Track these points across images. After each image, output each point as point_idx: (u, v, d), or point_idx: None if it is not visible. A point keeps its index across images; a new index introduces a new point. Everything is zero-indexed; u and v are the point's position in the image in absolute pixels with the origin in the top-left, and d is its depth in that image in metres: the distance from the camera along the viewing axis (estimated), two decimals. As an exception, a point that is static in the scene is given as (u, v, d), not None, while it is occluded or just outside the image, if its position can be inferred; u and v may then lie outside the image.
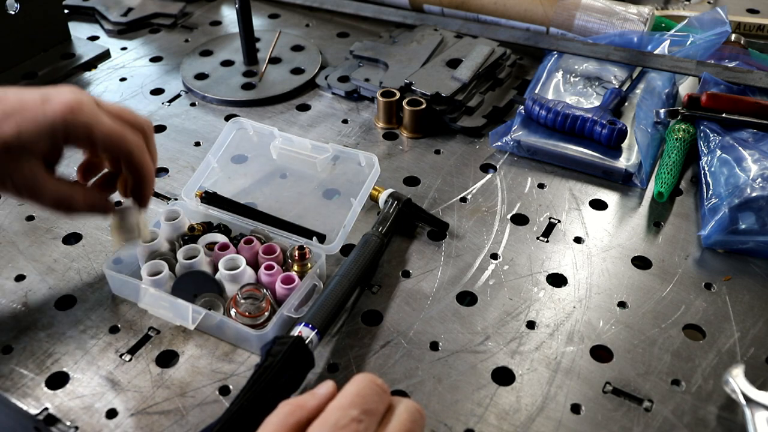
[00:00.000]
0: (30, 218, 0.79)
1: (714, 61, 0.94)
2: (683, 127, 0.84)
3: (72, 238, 0.76)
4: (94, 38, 1.15)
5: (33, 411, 0.59)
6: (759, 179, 0.73)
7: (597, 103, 0.90)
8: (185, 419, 0.58)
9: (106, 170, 0.67)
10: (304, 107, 0.98)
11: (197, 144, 0.91)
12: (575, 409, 0.59)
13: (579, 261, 0.73)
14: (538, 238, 0.75)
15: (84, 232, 0.77)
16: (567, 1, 1.03)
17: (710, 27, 0.97)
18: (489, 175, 0.85)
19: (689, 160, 0.85)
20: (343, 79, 1.00)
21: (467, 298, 0.69)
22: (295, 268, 0.69)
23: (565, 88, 0.94)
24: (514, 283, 0.70)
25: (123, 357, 0.63)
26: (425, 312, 0.67)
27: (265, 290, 0.65)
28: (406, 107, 0.89)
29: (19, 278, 0.71)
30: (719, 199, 0.74)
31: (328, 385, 0.48)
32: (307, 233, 0.72)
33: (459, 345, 0.64)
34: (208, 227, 0.74)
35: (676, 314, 0.67)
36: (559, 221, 0.78)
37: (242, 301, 0.64)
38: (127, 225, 0.65)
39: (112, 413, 0.59)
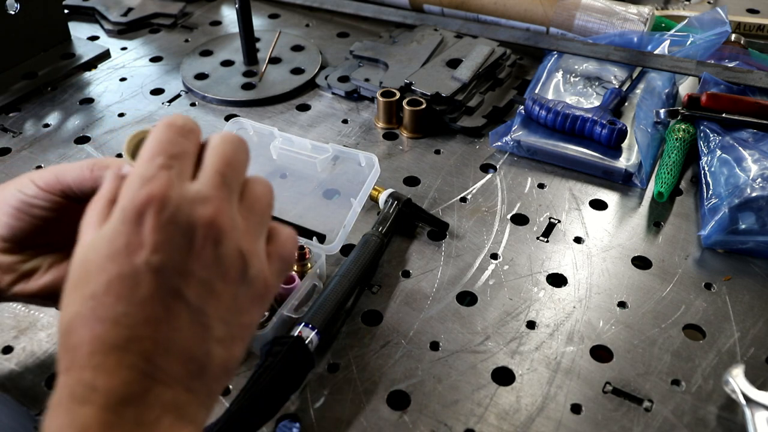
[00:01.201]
0: (30, 218, 0.79)
1: (714, 61, 0.94)
2: (683, 127, 0.84)
3: (72, 238, 0.76)
4: (94, 38, 1.15)
5: (33, 411, 0.59)
6: (759, 179, 0.73)
7: (597, 103, 0.90)
8: (185, 419, 0.58)
9: None
10: (304, 107, 0.98)
11: (197, 144, 0.91)
12: (575, 409, 0.59)
13: (579, 261, 0.73)
14: (538, 238, 0.76)
15: (84, 232, 0.77)
16: (567, 1, 1.03)
17: (710, 27, 0.97)
18: (489, 175, 0.85)
19: (689, 160, 0.85)
20: (343, 79, 1.00)
21: (467, 298, 0.69)
22: (295, 268, 0.69)
23: (565, 88, 0.94)
24: (514, 283, 0.70)
25: (123, 357, 0.63)
26: (425, 312, 0.67)
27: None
28: (406, 107, 0.89)
29: (19, 278, 0.71)
30: (719, 199, 0.74)
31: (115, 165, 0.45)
32: (307, 233, 0.72)
33: (459, 345, 0.64)
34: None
35: (676, 314, 0.67)
36: (559, 221, 0.78)
37: (242, 301, 0.64)
38: None
39: (112, 413, 0.59)
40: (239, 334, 0.42)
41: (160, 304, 0.38)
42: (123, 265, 0.38)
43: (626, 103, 0.91)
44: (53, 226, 0.56)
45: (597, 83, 0.95)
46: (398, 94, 0.91)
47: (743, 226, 0.72)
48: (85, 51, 1.08)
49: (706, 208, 0.75)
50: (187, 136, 0.42)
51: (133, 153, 0.54)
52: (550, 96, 0.93)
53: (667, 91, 0.94)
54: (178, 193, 0.39)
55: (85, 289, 0.38)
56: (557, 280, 0.71)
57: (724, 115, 0.84)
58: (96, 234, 0.40)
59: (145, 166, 0.40)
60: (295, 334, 0.59)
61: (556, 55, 1.00)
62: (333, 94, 1.00)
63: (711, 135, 0.82)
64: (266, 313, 0.64)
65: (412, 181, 0.84)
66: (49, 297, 0.58)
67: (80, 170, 0.55)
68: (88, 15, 1.21)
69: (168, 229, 0.38)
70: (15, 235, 0.55)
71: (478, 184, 0.83)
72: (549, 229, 0.77)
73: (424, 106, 0.89)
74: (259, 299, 0.43)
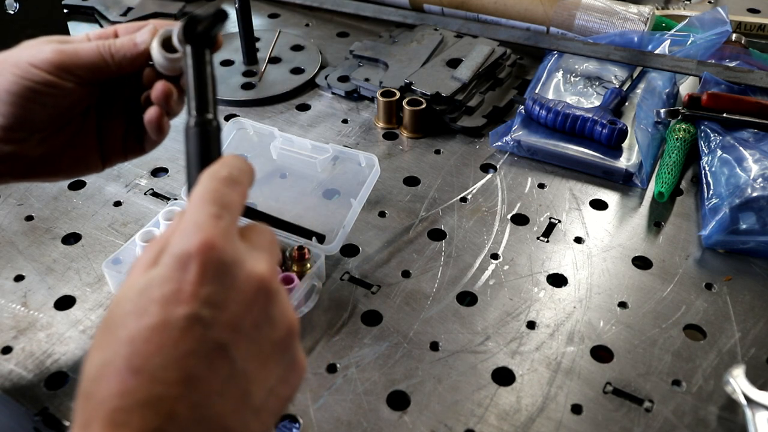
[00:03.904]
0: (29, 218, 0.78)
1: (714, 60, 0.94)
2: (684, 126, 0.84)
3: (71, 238, 0.76)
4: (93, 38, 1.15)
5: (32, 411, 0.59)
6: (760, 179, 0.73)
7: (597, 103, 0.90)
8: (185, 420, 0.58)
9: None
10: (304, 107, 0.98)
11: (197, 144, 0.91)
12: (576, 409, 0.58)
13: (579, 261, 0.73)
14: (538, 238, 0.75)
15: (83, 232, 0.77)
16: (567, 1, 1.03)
17: (711, 27, 0.96)
18: (489, 175, 0.84)
19: (690, 160, 0.85)
20: (343, 79, 1.00)
21: (467, 298, 0.69)
22: (295, 268, 0.69)
23: (565, 88, 0.94)
24: (514, 283, 0.70)
25: (122, 357, 0.63)
26: (425, 312, 0.67)
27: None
28: (406, 107, 0.89)
29: (19, 278, 0.71)
30: (720, 199, 0.74)
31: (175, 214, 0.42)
32: (307, 233, 0.72)
33: (459, 345, 0.64)
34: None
35: (677, 314, 0.67)
36: (560, 221, 0.78)
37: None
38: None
39: (111, 414, 0.59)
40: (275, 408, 0.38)
41: (202, 361, 0.34)
42: (169, 313, 0.34)
43: (627, 103, 0.91)
44: (55, 109, 0.53)
45: (597, 83, 0.95)
46: (398, 94, 0.91)
47: (744, 226, 0.72)
48: (84, 51, 1.08)
49: (706, 208, 0.75)
50: (236, 188, 0.40)
51: (165, 44, 0.52)
52: (550, 96, 0.92)
53: (667, 90, 0.94)
54: (232, 245, 0.37)
55: (121, 332, 0.35)
56: (557, 280, 0.71)
57: (724, 114, 0.84)
58: (143, 276, 0.36)
59: (197, 212, 0.38)
60: None
61: (556, 55, 1.00)
62: (333, 94, 1.00)
63: (712, 135, 0.82)
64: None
65: (412, 181, 0.84)
66: (38, 174, 0.56)
67: (98, 54, 0.51)
68: (88, 15, 1.20)
69: (223, 281, 0.36)
70: (14, 124, 0.51)
71: (478, 184, 0.83)
72: (549, 229, 0.77)
73: (424, 106, 0.89)
74: (299, 373, 0.40)
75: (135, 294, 0.36)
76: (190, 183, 0.43)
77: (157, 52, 0.52)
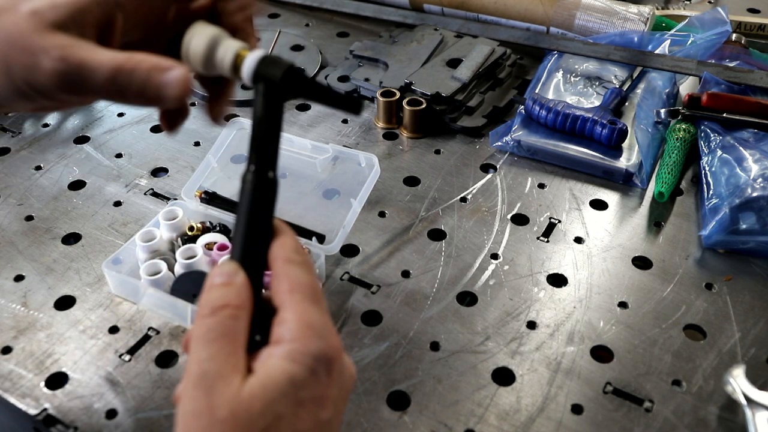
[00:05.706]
0: (29, 218, 0.79)
1: (715, 60, 0.94)
2: (684, 126, 0.84)
3: (71, 238, 0.76)
4: (93, 38, 1.14)
5: (32, 411, 0.59)
6: (760, 179, 0.73)
7: (597, 103, 0.90)
8: (185, 420, 0.58)
9: None
10: (304, 107, 0.98)
11: (197, 144, 0.91)
12: (576, 409, 0.58)
13: (579, 261, 0.73)
14: (538, 238, 0.75)
15: (83, 232, 0.77)
16: (567, 1, 1.03)
17: (711, 27, 0.96)
18: (489, 175, 0.84)
19: (690, 160, 0.85)
20: (343, 78, 1.00)
21: (467, 298, 0.69)
22: (295, 268, 0.68)
23: (565, 88, 0.94)
24: (514, 283, 0.70)
25: (122, 357, 0.63)
26: (425, 312, 0.67)
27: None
28: (406, 107, 0.89)
29: (19, 278, 0.71)
30: (720, 199, 0.74)
31: (230, 266, 0.40)
32: (307, 233, 0.72)
33: (459, 345, 0.64)
34: (207, 227, 0.74)
35: (677, 314, 0.67)
36: (560, 221, 0.78)
37: (242, 301, 0.64)
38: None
39: (111, 414, 0.59)
40: None
41: None
42: (317, 417, 0.37)
43: (627, 103, 0.91)
44: None
45: (597, 83, 0.95)
46: (398, 94, 0.91)
47: (744, 226, 0.72)
48: (84, 51, 1.08)
49: (706, 208, 0.75)
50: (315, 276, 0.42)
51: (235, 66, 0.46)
52: (550, 96, 0.92)
53: (667, 90, 0.94)
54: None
55: None
56: (557, 280, 0.71)
57: (724, 114, 0.84)
58: (267, 373, 0.37)
59: (314, 310, 0.39)
60: None
61: (556, 55, 1.00)
62: (333, 93, 1.00)
63: (712, 135, 0.82)
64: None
65: (412, 181, 0.84)
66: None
67: (112, 83, 0.42)
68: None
69: (340, 385, 0.39)
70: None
71: (479, 184, 0.83)
72: (549, 229, 0.77)
73: (424, 106, 0.89)
74: None
75: (277, 394, 0.36)
76: (238, 232, 0.42)
77: (225, 67, 0.47)
